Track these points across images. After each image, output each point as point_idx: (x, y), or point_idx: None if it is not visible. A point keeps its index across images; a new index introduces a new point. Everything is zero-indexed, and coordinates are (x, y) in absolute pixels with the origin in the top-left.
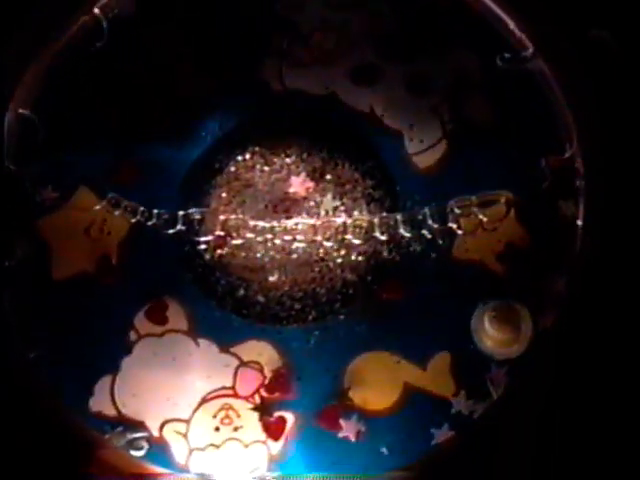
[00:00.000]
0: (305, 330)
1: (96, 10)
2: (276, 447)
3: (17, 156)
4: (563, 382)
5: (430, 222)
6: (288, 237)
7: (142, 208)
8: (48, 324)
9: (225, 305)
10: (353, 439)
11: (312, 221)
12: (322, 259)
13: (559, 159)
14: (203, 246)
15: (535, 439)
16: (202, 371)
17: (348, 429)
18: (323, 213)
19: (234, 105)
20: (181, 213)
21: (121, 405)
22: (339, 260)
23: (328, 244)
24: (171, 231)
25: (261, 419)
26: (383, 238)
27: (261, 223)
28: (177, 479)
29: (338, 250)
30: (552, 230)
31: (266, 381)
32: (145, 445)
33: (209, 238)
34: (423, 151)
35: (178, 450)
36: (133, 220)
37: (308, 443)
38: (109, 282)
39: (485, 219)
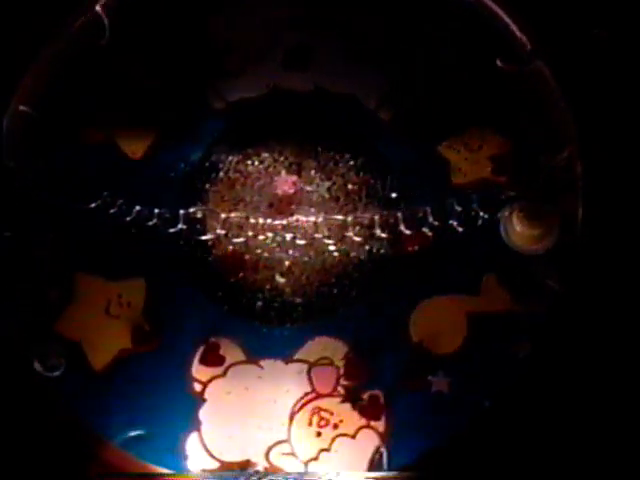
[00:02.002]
0: (350, 311)
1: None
2: (381, 425)
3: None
4: None
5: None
6: (289, 235)
7: (138, 207)
8: (113, 415)
9: (269, 321)
10: (446, 390)
11: (313, 218)
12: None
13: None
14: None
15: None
16: (279, 388)
17: (438, 384)
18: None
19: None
20: (182, 212)
21: (219, 454)
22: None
23: (329, 241)
24: (172, 230)
25: (354, 406)
26: (384, 236)
27: (268, 220)
28: (177, 479)
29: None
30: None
31: (341, 371)
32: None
33: (210, 237)
34: None
35: (294, 469)
36: (128, 218)
37: (408, 410)
38: (151, 348)
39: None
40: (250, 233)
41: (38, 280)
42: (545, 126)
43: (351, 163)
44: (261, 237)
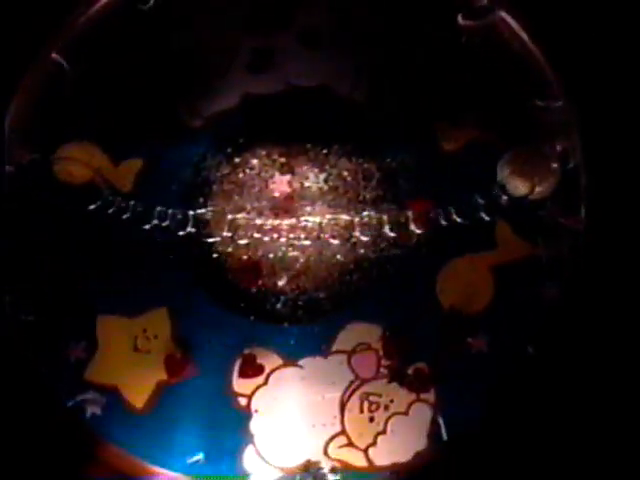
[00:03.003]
0: (375, 294)
1: None
2: (431, 396)
3: None
4: None
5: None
6: (294, 235)
7: (140, 209)
8: (167, 448)
9: (298, 320)
10: (486, 350)
11: (318, 219)
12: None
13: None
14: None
15: None
16: (323, 383)
17: (476, 343)
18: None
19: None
20: (191, 213)
21: (279, 462)
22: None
23: (336, 241)
24: (181, 233)
25: (402, 384)
26: (392, 235)
27: (276, 221)
28: (177, 479)
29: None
30: None
31: (380, 352)
32: (333, 475)
33: (217, 239)
34: None
35: (357, 460)
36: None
37: (454, 376)
38: (188, 374)
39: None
40: (257, 235)
41: (61, 333)
42: (523, 74)
43: (341, 151)
44: (268, 238)
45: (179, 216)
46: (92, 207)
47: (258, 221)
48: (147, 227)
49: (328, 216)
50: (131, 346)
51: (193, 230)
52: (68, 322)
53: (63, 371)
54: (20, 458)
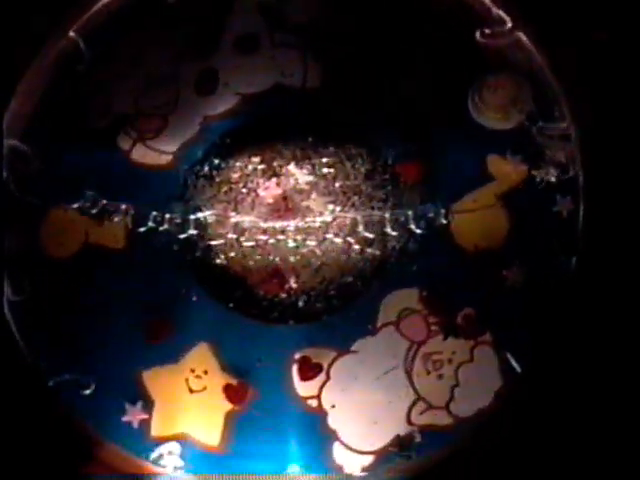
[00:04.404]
0: (400, 261)
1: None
2: (487, 336)
3: None
4: None
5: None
6: (300, 237)
7: (139, 211)
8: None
9: (335, 309)
10: (522, 277)
11: (322, 219)
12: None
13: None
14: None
15: None
16: (382, 359)
17: (511, 275)
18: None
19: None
20: (192, 217)
21: (369, 447)
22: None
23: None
24: (182, 236)
25: (457, 335)
26: (394, 234)
27: (278, 224)
28: (177, 479)
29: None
30: None
31: (424, 312)
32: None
33: (221, 242)
34: None
35: (443, 419)
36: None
37: (501, 310)
38: (252, 397)
39: None
40: (263, 237)
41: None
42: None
43: (315, 141)
44: (274, 240)
45: (178, 220)
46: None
47: (263, 224)
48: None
49: (330, 207)
50: (185, 390)
51: (194, 232)
52: (119, 388)
53: (131, 437)
54: (20, 458)
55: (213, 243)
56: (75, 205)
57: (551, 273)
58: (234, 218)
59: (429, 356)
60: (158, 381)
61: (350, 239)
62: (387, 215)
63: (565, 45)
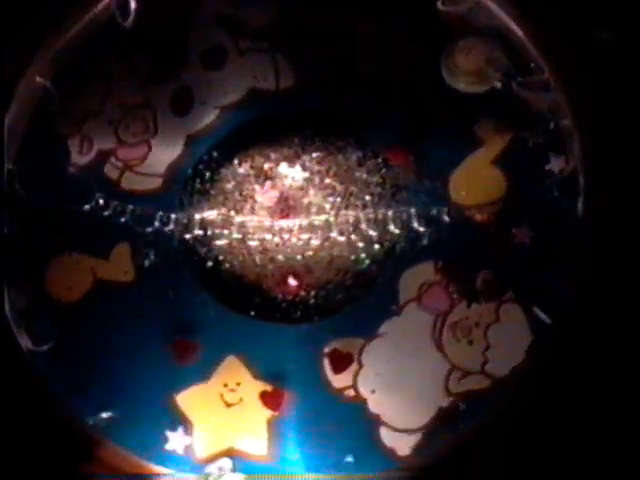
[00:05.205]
0: (409, 240)
1: None
2: (509, 295)
3: None
4: None
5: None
6: (305, 235)
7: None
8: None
9: (355, 297)
10: (528, 241)
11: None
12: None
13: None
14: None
15: None
16: (411, 336)
17: (519, 232)
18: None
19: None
20: (197, 217)
21: (415, 424)
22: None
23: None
24: (188, 236)
25: (479, 300)
26: (397, 232)
27: (284, 223)
28: (177, 479)
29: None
30: None
31: (443, 282)
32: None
33: (225, 242)
34: None
35: (481, 383)
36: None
37: (516, 266)
38: (290, 400)
39: None
40: (269, 238)
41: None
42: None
43: (305, 142)
44: (279, 239)
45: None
46: None
47: (267, 223)
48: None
49: (330, 199)
50: (222, 405)
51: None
52: (156, 416)
53: (179, 463)
54: (20, 458)
55: (218, 243)
56: (87, 207)
57: (557, 224)
58: (239, 217)
59: (456, 324)
60: (193, 402)
61: (353, 237)
62: (390, 213)
63: (565, 43)
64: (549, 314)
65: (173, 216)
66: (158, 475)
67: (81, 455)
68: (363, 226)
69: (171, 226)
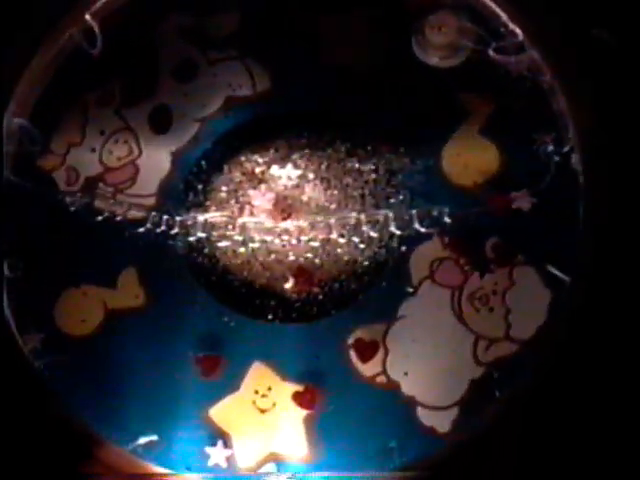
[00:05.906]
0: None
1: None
2: (520, 258)
3: None
4: None
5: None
6: (309, 233)
7: (154, 213)
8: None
9: (370, 284)
10: (527, 207)
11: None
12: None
13: None
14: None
15: None
16: (430, 313)
17: (519, 201)
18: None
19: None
20: (201, 218)
21: (451, 400)
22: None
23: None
24: (192, 238)
25: (492, 269)
26: (398, 233)
27: (286, 224)
28: (177, 479)
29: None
30: None
31: (453, 257)
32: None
33: (228, 243)
34: None
35: (507, 348)
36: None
37: (522, 229)
38: (323, 399)
39: None
40: (269, 237)
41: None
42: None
43: (291, 141)
44: (279, 241)
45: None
46: None
47: (268, 224)
48: None
49: (328, 192)
50: (256, 412)
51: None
52: (194, 434)
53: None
54: (20, 458)
55: (222, 250)
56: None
57: (555, 185)
58: (242, 219)
59: (473, 295)
60: (227, 414)
61: (355, 238)
62: (391, 214)
63: (565, 44)
64: (566, 272)
65: (178, 218)
66: (158, 475)
67: (81, 454)
68: (364, 222)
69: (176, 229)
